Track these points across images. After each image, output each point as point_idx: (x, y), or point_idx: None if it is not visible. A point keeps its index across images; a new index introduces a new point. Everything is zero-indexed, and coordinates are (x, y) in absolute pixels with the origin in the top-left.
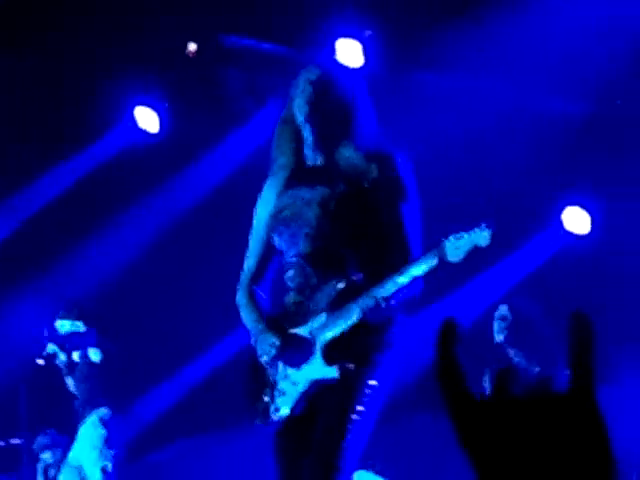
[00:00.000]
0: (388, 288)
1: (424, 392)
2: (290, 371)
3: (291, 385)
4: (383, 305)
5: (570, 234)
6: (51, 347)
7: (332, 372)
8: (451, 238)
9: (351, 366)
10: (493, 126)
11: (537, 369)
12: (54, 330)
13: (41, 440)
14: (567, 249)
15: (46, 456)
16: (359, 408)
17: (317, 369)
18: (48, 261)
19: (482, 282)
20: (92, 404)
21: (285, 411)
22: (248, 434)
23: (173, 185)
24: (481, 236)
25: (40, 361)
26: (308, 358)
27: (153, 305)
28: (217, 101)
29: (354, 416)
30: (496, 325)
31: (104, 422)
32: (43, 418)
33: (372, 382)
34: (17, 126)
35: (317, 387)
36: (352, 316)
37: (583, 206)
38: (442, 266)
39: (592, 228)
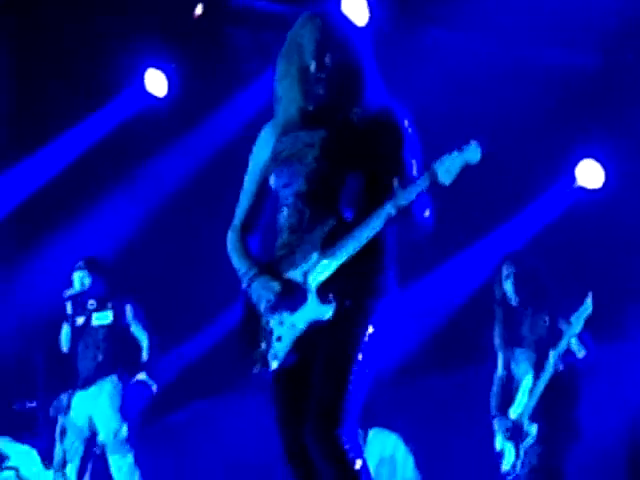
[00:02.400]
0: (402, 197)
1: (439, 351)
2: (285, 315)
3: (287, 329)
4: (399, 210)
5: (583, 188)
6: (73, 291)
7: (327, 310)
8: (441, 160)
9: (348, 302)
10: (504, 80)
11: (547, 318)
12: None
13: (57, 403)
14: (580, 203)
15: (61, 419)
16: (359, 357)
17: (312, 309)
18: (61, 224)
19: (496, 237)
20: (112, 365)
21: (283, 356)
22: (262, 394)
23: (184, 145)
24: (471, 154)
25: (65, 297)
26: (303, 300)
27: (168, 266)
28: (225, 61)
29: (353, 366)
30: (509, 286)
31: (123, 382)
32: (59, 380)
33: (369, 329)
34: (29, 91)
35: (313, 330)
36: (343, 252)
37: (597, 159)
38: (437, 188)
39: (605, 182)
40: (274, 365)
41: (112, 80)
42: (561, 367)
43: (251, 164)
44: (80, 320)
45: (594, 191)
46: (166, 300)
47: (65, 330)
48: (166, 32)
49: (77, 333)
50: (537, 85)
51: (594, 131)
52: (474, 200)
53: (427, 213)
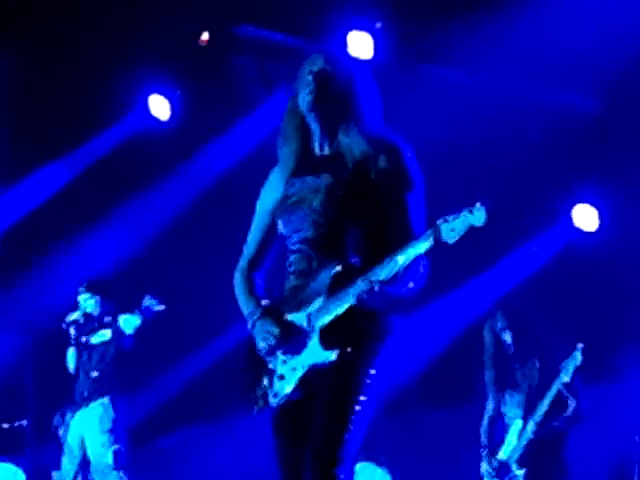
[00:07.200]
0: (383, 271)
1: (429, 387)
2: (288, 357)
3: (290, 370)
4: (377, 288)
5: (579, 230)
6: (76, 315)
7: (330, 355)
8: (446, 219)
9: (349, 349)
10: (503, 121)
11: (538, 362)
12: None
13: (60, 417)
14: (575, 245)
15: (62, 432)
16: (361, 398)
17: (315, 353)
18: (56, 245)
19: (490, 277)
20: (105, 385)
21: (283, 396)
22: (256, 421)
23: (186, 170)
24: (476, 216)
25: (64, 325)
26: (306, 343)
27: (163, 291)
28: (228, 89)
29: (355, 406)
30: (507, 337)
31: (114, 406)
32: (49, 399)
33: (372, 371)
34: (35, 112)
35: (315, 372)
36: (348, 299)
37: (592, 203)
38: (439, 247)
39: (600, 225)
40: (274, 403)
41: (116, 105)
42: (536, 435)
43: (259, 206)
44: (82, 340)
45: (589, 234)
46: (159, 326)
47: (71, 353)
48: (171, 58)
49: (79, 354)
50: (537, 127)
51: (591, 175)
52: (469, 238)
53: (421, 269)
